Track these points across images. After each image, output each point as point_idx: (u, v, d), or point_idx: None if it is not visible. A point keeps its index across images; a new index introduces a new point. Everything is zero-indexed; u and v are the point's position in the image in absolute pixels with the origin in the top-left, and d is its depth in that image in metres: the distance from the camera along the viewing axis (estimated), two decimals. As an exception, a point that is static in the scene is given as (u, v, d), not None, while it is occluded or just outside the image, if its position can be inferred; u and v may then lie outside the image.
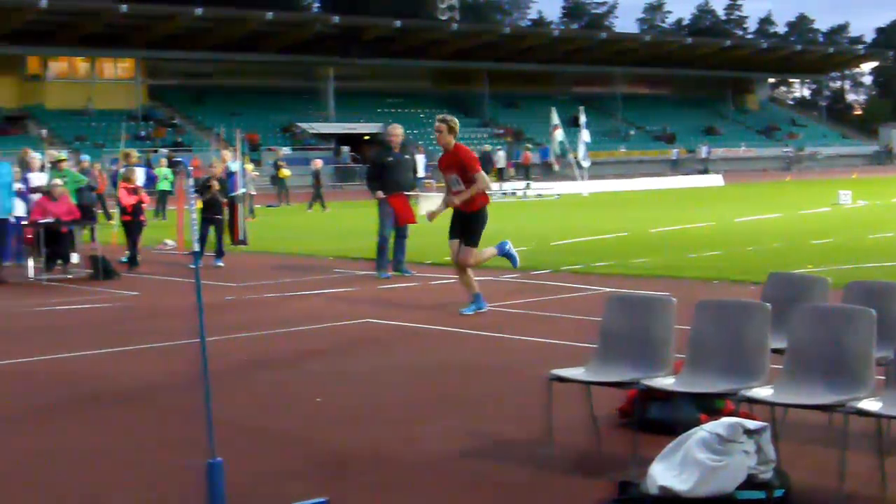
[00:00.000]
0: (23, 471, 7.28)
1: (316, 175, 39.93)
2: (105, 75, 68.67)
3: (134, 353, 11.52)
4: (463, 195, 13.09)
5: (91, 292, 16.20)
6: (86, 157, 30.35)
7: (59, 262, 18.68)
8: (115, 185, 21.59)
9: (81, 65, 67.80)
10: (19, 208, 19.11)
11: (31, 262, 18.34)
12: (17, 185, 19.20)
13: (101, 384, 10.06)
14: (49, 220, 18.13)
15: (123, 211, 20.07)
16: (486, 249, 13.53)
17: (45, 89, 64.88)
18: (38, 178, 20.13)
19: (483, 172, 13.42)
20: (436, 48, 76.25)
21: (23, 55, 64.36)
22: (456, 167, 13.23)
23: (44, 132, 55.91)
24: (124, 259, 19.69)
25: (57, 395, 9.65)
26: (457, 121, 13.65)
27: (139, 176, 22.06)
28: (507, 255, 13.84)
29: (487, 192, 13.58)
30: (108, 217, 28.25)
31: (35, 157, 21.24)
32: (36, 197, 19.17)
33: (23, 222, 18.90)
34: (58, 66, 67.04)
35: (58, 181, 19.01)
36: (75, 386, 10.00)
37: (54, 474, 7.19)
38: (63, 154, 21.72)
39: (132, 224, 19.88)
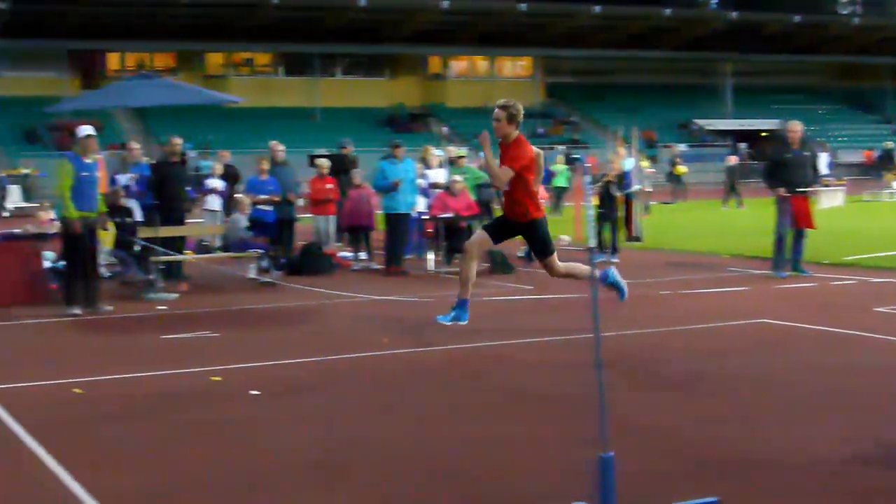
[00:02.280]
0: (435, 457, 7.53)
1: (731, 172, 39.28)
2: (504, 73, 70.37)
3: (527, 346, 11.70)
4: (486, 159, 11.46)
5: (488, 285, 16.59)
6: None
7: (458, 255, 19.26)
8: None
9: (481, 63, 69.77)
10: (420, 203, 19.90)
11: (430, 255, 19.06)
12: (419, 182, 19.94)
13: (499, 375, 10.29)
14: (448, 215, 18.75)
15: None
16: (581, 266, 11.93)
17: (446, 88, 67.23)
18: (438, 175, 20.84)
19: (510, 169, 11.16)
20: (836, 43, 73.40)
21: (425, 55, 67.02)
22: (514, 161, 11.20)
23: (444, 130, 57.95)
24: (521, 254, 20.04)
25: (458, 386, 9.94)
26: (521, 109, 11.35)
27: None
28: (612, 285, 11.99)
29: (538, 208, 11.49)
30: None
31: (435, 153, 21.99)
32: (436, 192, 19.86)
33: (423, 217, 19.68)
34: (458, 65, 69.31)
35: (457, 177, 19.58)
36: (468, 376, 10.28)
37: (454, 459, 7.40)
38: (462, 151, 22.36)
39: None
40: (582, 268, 11.74)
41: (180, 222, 17.70)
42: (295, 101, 60.81)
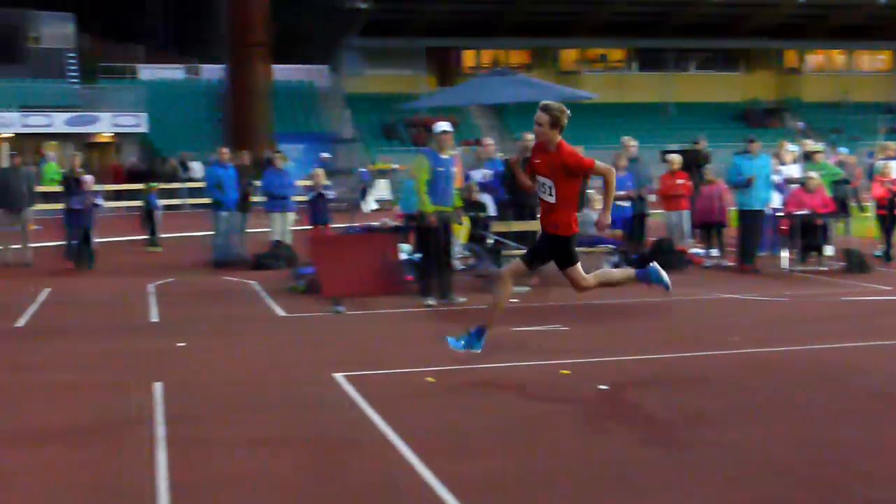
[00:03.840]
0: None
1: None
2: (861, 67, 67.47)
3: (885, 349, 11.17)
4: (607, 200, 10.02)
5: (843, 285, 15.97)
6: (843, 150, 30.03)
7: (814, 253, 18.67)
8: (870, 177, 21.12)
9: (837, 57, 67.20)
10: (775, 200, 19.38)
11: (785, 253, 18.53)
12: (773, 177, 19.42)
13: (853, 377, 9.91)
14: (804, 211, 18.16)
15: (878, 205, 19.64)
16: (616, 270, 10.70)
17: (802, 82, 65.16)
18: (793, 171, 20.23)
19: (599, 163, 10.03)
20: None
21: (780, 49, 65.18)
22: (555, 170, 9.91)
23: (800, 125, 56.18)
24: (878, 253, 19.20)
25: (809, 385, 9.61)
26: (566, 111, 9.97)
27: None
28: (658, 281, 10.49)
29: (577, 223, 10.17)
30: (862, 210, 27.73)
31: (790, 149, 21.36)
32: (791, 189, 19.29)
33: (778, 213, 19.16)
34: (814, 59, 67.05)
35: (813, 173, 18.96)
36: (828, 378, 9.92)
37: (839, 463, 7.16)
38: (818, 146, 21.61)
39: (887, 218, 19.39)
40: (614, 272, 10.92)
41: (532, 217, 17.90)
42: (647, 97, 60.50)
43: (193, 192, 39.99)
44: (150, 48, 62.19)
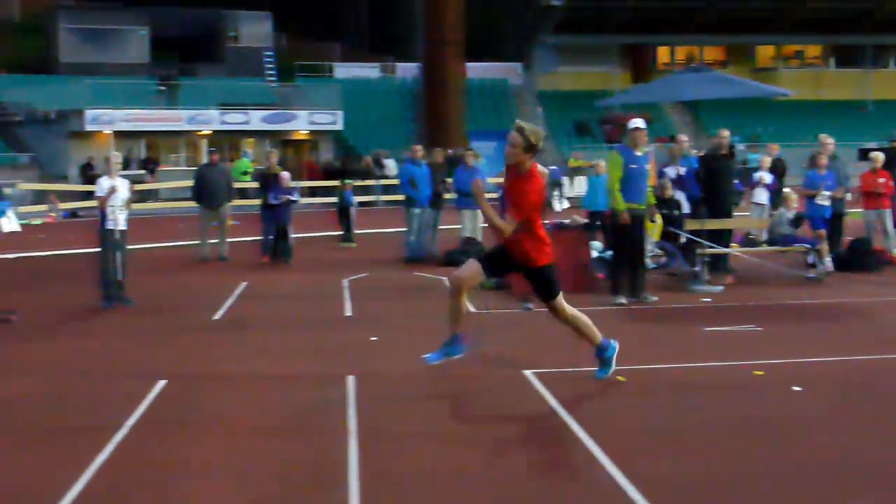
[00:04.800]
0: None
1: None
2: None
3: None
4: (505, 225, 9.25)
5: None
6: None
7: None
8: None
9: None
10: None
11: None
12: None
13: None
14: None
15: None
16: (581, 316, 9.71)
17: None
18: None
19: (512, 220, 9.25)
20: None
21: None
22: (519, 198, 9.30)
23: None
24: None
25: None
26: (541, 135, 9.33)
27: None
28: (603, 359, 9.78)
29: (545, 254, 9.46)
30: None
31: None
32: None
33: None
34: None
35: None
36: None
37: None
38: None
39: None
40: (589, 327, 9.72)
41: (727, 215, 17.60)
42: (845, 94, 58.82)
43: (387, 190, 40.56)
44: (345, 47, 63.37)
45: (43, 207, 35.78)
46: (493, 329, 12.95)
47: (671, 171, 18.22)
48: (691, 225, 16.84)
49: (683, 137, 19.88)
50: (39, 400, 9.54)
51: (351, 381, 9.73)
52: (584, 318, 9.74)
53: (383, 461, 7.37)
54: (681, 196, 17.97)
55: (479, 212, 20.67)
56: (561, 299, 9.61)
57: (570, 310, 9.70)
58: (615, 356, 9.73)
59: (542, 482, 6.92)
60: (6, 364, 11.27)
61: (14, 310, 14.13)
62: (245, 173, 37.96)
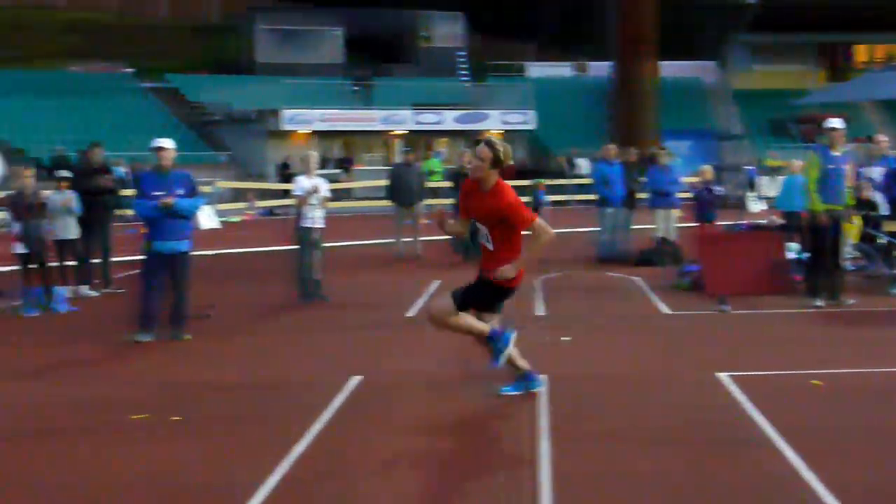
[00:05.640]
0: None
1: None
2: None
3: None
4: (518, 262, 8.80)
5: None
6: None
7: None
8: None
9: None
10: None
11: None
12: None
13: None
14: None
15: None
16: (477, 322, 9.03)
17: None
18: None
19: (541, 226, 8.85)
20: None
21: None
22: (488, 216, 8.86)
23: None
24: None
25: None
26: (509, 152, 8.89)
27: None
28: (496, 349, 9.15)
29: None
30: None
31: None
32: None
33: None
34: None
35: None
36: None
37: None
38: None
39: None
40: (476, 325, 9.16)
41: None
42: None
43: (580, 189, 40.51)
44: (538, 46, 63.47)
45: (241, 205, 36.96)
46: (688, 330, 12.91)
47: (870, 172, 17.78)
48: (890, 226, 16.42)
49: (882, 137, 19.36)
50: (239, 391, 9.93)
51: (542, 380, 9.80)
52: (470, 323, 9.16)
53: (576, 462, 7.44)
54: (879, 197, 17.53)
55: (672, 211, 20.57)
56: (472, 316, 9.15)
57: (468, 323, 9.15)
58: (508, 347, 9.17)
59: (734, 484, 6.90)
60: (206, 357, 11.76)
61: (212, 305, 14.69)
62: (433, 173, 38.45)
